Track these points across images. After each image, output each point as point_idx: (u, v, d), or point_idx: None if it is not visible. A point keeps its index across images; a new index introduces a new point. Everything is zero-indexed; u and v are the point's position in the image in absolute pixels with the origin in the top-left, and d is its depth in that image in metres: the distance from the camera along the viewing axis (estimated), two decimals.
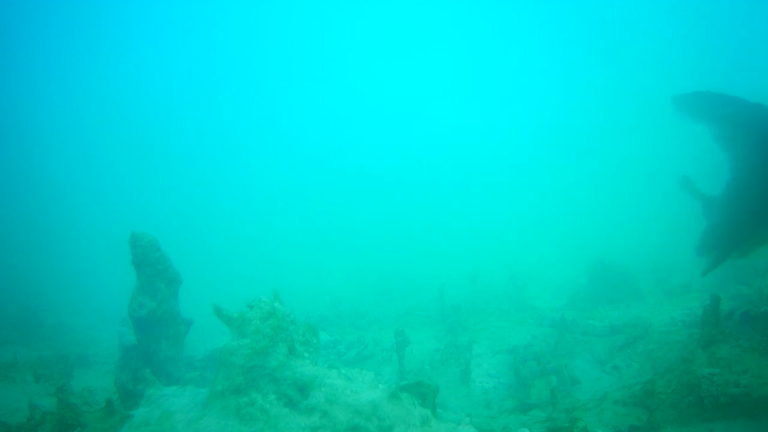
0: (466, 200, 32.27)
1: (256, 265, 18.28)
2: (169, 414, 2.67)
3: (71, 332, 10.01)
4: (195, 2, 41.91)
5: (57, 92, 36.08)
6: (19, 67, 32.07)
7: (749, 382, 3.49)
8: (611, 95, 39.79)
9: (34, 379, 6.36)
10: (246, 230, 27.15)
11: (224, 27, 43.98)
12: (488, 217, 27.19)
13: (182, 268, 4.80)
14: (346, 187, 35.55)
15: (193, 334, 5.13)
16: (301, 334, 3.28)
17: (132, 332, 4.59)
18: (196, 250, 18.41)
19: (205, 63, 44.33)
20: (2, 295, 10.87)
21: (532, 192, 32.48)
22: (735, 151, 4.29)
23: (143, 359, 4.26)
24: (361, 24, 46.87)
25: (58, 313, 10.60)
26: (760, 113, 4.02)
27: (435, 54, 47.67)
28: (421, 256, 17.58)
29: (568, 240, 18.86)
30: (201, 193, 34.13)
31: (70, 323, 10.47)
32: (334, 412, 2.58)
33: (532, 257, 15.45)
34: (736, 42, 35.72)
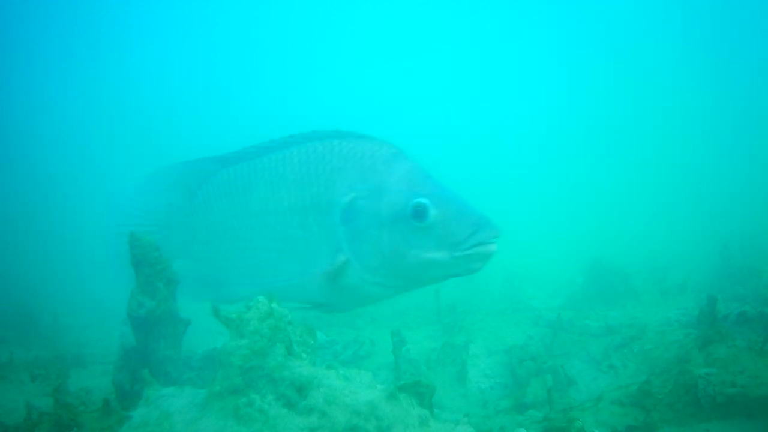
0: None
1: None
2: (168, 414, 2.66)
3: (67, 332, 9.99)
4: (195, 2, 41.91)
5: (57, 90, 36.07)
6: (19, 65, 32.03)
7: (746, 382, 3.50)
8: (611, 95, 39.84)
9: (30, 379, 6.34)
10: None
11: (225, 28, 44.04)
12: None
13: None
14: None
15: (190, 334, 5.12)
16: (299, 335, 3.27)
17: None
18: None
19: (205, 62, 44.41)
20: None
21: (530, 191, 32.53)
22: None
23: (141, 359, 4.24)
24: (362, 23, 46.95)
25: (54, 312, 10.57)
26: None
27: (435, 52, 47.76)
28: None
29: (566, 240, 18.90)
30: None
31: (66, 323, 10.45)
32: (332, 413, 2.58)
33: (529, 257, 15.48)
34: (741, 40, 35.75)
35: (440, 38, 46.73)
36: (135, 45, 39.67)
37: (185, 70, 43.72)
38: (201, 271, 3.47)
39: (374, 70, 49.22)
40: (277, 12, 44.84)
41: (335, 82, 48.30)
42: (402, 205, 2.54)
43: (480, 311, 9.33)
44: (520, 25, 44.38)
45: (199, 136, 41.29)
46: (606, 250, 11.28)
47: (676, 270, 10.94)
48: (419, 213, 2.50)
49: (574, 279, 10.98)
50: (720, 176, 27.37)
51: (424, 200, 2.52)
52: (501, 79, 47.79)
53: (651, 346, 5.99)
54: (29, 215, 21.00)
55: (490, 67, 47.50)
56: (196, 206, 3.27)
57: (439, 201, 2.53)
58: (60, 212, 23.39)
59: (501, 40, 46.02)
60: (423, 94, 48.36)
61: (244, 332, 2.79)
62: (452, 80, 48.39)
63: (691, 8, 36.60)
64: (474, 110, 47.37)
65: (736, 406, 3.48)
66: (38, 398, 5.38)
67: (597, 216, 23.54)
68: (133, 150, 36.43)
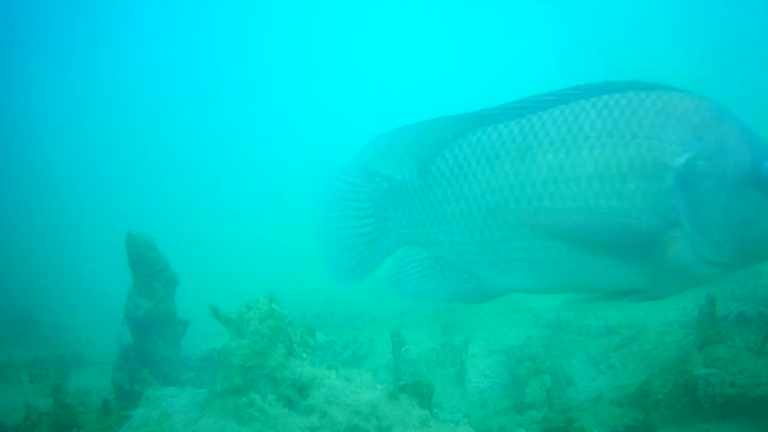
0: None
1: (251, 264, 18.24)
2: (168, 414, 2.66)
3: (66, 332, 9.99)
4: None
5: (56, 88, 36.01)
6: (18, 63, 31.99)
7: (745, 382, 3.50)
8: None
9: (29, 379, 6.34)
10: (243, 229, 27.05)
11: (224, 24, 44.00)
12: None
13: (179, 268, 4.77)
14: None
15: (189, 335, 5.13)
16: (299, 336, 3.28)
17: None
18: (195, 249, 18.38)
19: (205, 59, 44.33)
20: None
21: None
22: None
23: (140, 360, 4.24)
24: (361, 21, 46.98)
25: (54, 312, 10.57)
26: None
27: (434, 51, 47.81)
28: None
29: None
30: (201, 191, 34.00)
31: (65, 323, 10.45)
32: (333, 413, 2.59)
33: None
34: (741, 38, 35.79)
35: (439, 37, 46.84)
36: (135, 42, 39.65)
37: (186, 67, 43.72)
38: (445, 259, 2.80)
39: (374, 70, 49.31)
40: (277, 12, 44.89)
41: (337, 79, 48.37)
42: (753, 167, 2.16)
43: (479, 311, 9.31)
44: (519, 24, 44.48)
45: (201, 135, 41.32)
46: None
47: None
48: None
49: None
50: None
51: None
52: (499, 78, 47.89)
53: (650, 347, 5.98)
54: (29, 215, 20.98)
55: (489, 66, 47.59)
56: (435, 177, 2.67)
57: None
58: (60, 212, 23.38)
59: (501, 39, 46.13)
60: (421, 94, 48.41)
61: (245, 332, 2.79)
62: (451, 80, 48.49)
63: (688, 6, 36.67)
64: (472, 108, 47.31)
65: (736, 407, 3.48)
66: (38, 398, 5.37)
67: None
68: (133, 149, 36.43)
